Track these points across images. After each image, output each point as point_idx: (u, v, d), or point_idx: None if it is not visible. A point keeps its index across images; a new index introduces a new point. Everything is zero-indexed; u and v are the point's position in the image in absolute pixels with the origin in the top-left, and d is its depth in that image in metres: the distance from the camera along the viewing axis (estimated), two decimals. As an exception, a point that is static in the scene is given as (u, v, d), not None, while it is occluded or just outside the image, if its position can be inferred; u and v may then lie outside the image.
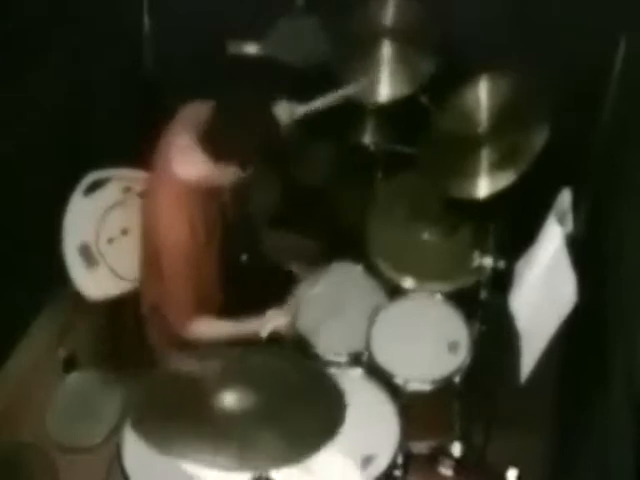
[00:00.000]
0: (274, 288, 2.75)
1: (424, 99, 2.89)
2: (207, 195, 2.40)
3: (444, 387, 2.49)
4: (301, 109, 2.75)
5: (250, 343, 2.43)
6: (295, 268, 2.90)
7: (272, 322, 2.46)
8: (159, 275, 2.41)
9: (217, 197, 2.50)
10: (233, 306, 2.59)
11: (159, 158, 2.40)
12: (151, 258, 2.44)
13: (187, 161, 2.32)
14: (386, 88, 2.95)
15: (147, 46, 3.28)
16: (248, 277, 2.81)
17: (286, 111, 2.69)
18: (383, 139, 3.14)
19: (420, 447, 2.43)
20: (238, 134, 2.25)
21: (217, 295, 2.58)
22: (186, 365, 2.15)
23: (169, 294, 2.42)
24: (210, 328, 2.47)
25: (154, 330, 2.64)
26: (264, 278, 2.83)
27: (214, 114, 2.28)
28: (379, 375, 2.48)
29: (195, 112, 2.38)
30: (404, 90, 2.92)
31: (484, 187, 2.57)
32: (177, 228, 2.31)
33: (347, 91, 2.84)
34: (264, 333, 2.44)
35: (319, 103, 2.78)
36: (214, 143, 2.27)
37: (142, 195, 2.82)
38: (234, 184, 2.43)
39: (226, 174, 2.33)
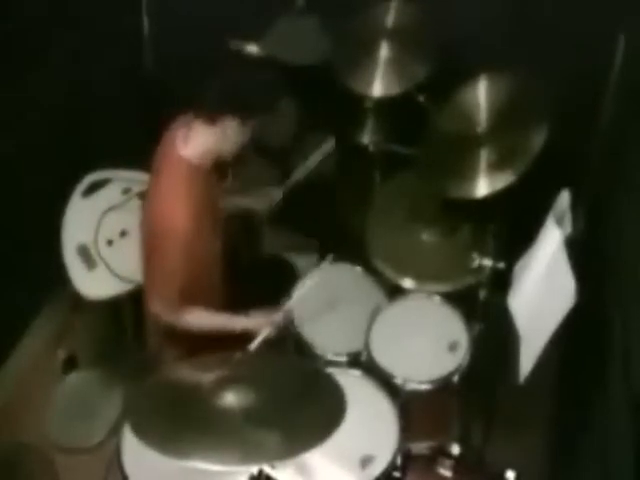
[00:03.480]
0: (275, 278, 2.79)
1: (423, 99, 2.89)
2: (214, 177, 2.41)
3: (443, 387, 2.49)
4: (279, 192, 2.87)
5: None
6: (295, 259, 2.92)
7: (261, 333, 2.46)
8: (155, 264, 2.42)
9: (223, 175, 2.51)
10: (236, 298, 2.62)
11: (164, 152, 2.41)
12: (150, 251, 2.44)
13: (190, 139, 2.35)
14: (385, 87, 2.95)
15: (147, 46, 3.28)
16: (249, 269, 2.82)
17: (266, 198, 2.84)
18: (382, 139, 3.14)
19: (419, 447, 2.43)
20: (225, 89, 2.28)
21: (216, 287, 2.59)
22: (185, 371, 2.15)
23: (160, 278, 2.42)
24: (199, 319, 2.47)
25: (153, 335, 2.64)
26: (265, 269, 2.89)
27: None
28: (378, 375, 2.48)
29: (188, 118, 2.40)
30: (403, 89, 2.91)
31: (483, 187, 2.57)
32: (182, 211, 2.31)
33: (316, 157, 2.94)
34: (254, 343, 2.44)
35: (294, 177, 2.90)
36: (206, 106, 2.31)
37: (142, 197, 2.83)
38: (243, 147, 2.42)
39: (230, 135, 2.34)
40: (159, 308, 2.45)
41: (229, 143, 2.37)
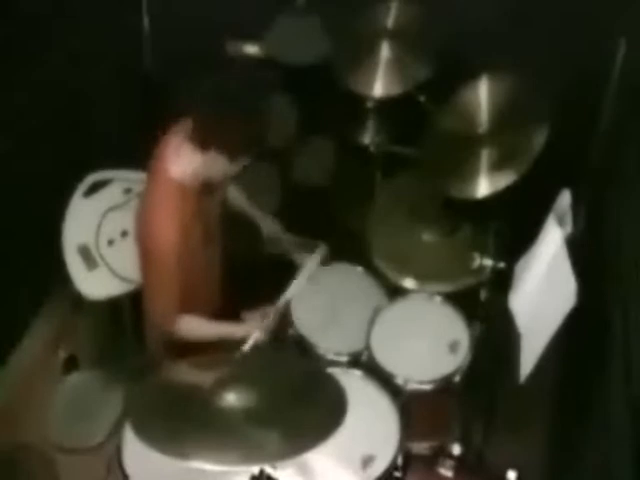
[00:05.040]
0: (274, 278, 2.77)
1: (424, 99, 2.89)
2: (204, 194, 2.40)
3: (444, 387, 2.49)
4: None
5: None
6: (295, 259, 2.92)
7: (253, 337, 2.47)
8: (151, 280, 2.43)
9: (214, 195, 2.50)
10: (237, 299, 2.63)
11: (156, 161, 2.41)
12: (144, 266, 2.45)
13: (179, 158, 2.33)
14: (386, 88, 2.95)
15: (147, 46, 3.29)
16: (250, 270, 2.82)
17: (272, 223, 2.83)
18: (383, 140, 3.14)
19: (420, 447, 2.43)
20: (223, 120, 2.24)
21: (214, 292, 2.59)
22: (185, 371, 2.15)
23: (155, 291, 2.44)
24: (194, 327, 2.48)
25: (151, 337, 2.64)
26: (266, 269, 2.88)
27: (201, 105, 2.29)
28: (379, 375, 2.48)
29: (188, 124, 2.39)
30: (403, 90, 2.91)
31: (484, 187, 2.57)
32: (168, 228, 2.31)
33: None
34: (245, 347, 2.45)
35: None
36: (200, 130, 2.28)
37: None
38: (229, 178, 2.41)
39: (217, 165, 2.32)
40: (160, 320, 2.47)
41: (216, 173, 2.36)
